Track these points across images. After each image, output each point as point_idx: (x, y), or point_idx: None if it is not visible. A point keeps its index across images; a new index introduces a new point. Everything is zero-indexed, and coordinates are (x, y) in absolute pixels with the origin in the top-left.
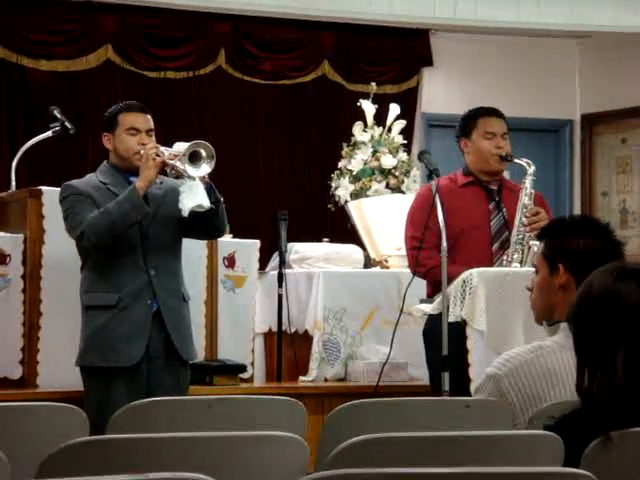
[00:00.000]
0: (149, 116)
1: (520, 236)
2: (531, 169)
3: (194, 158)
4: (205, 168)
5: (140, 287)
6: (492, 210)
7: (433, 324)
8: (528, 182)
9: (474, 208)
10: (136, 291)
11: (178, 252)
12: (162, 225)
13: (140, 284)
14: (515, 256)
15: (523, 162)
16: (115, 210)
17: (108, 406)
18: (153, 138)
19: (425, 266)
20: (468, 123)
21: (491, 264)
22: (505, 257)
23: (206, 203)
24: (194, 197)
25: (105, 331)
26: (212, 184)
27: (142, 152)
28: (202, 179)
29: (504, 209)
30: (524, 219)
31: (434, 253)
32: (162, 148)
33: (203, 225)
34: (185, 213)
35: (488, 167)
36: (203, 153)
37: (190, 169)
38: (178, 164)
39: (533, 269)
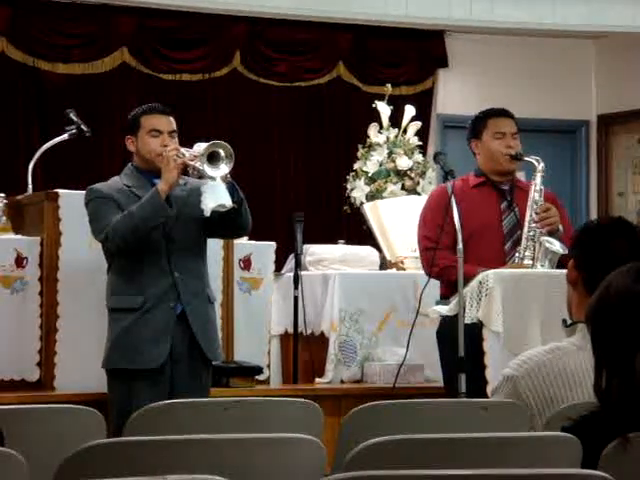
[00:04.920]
0: (171, 118)
1: (531, 233)
2: (540, 166)
3: (213, 158)
4: (224, 168)
5: (164, 289)
6: (504, 210)
7: (447, 325)
8: (538, 178)
9: (486, 209)
10: (160, 294)
11: (203, 253)
12: (186, 226)
13: (164, 286)
14: (527, 253)
15: (532, 159)
16: (138, 213)
17: (131, 408)
18: (176, 140)
19: (438, 266)
20: (478, 124)
21: (504, 263)
22: (517, 254)
23: (228, 202)
24: (216, 197)
25: (129, 333)
26: (234, 183)
27: (163, 154)
28: (224, 178)
29: (516, 209)
30: (534, 215)
31: (448, 253)
32: (183, 149)
33: (227, 224)
34: (207, 213)
35: (499, 167)
36: (222, 153)
37: (209, 169)
38: (198, 165)
39: (549, 269)
